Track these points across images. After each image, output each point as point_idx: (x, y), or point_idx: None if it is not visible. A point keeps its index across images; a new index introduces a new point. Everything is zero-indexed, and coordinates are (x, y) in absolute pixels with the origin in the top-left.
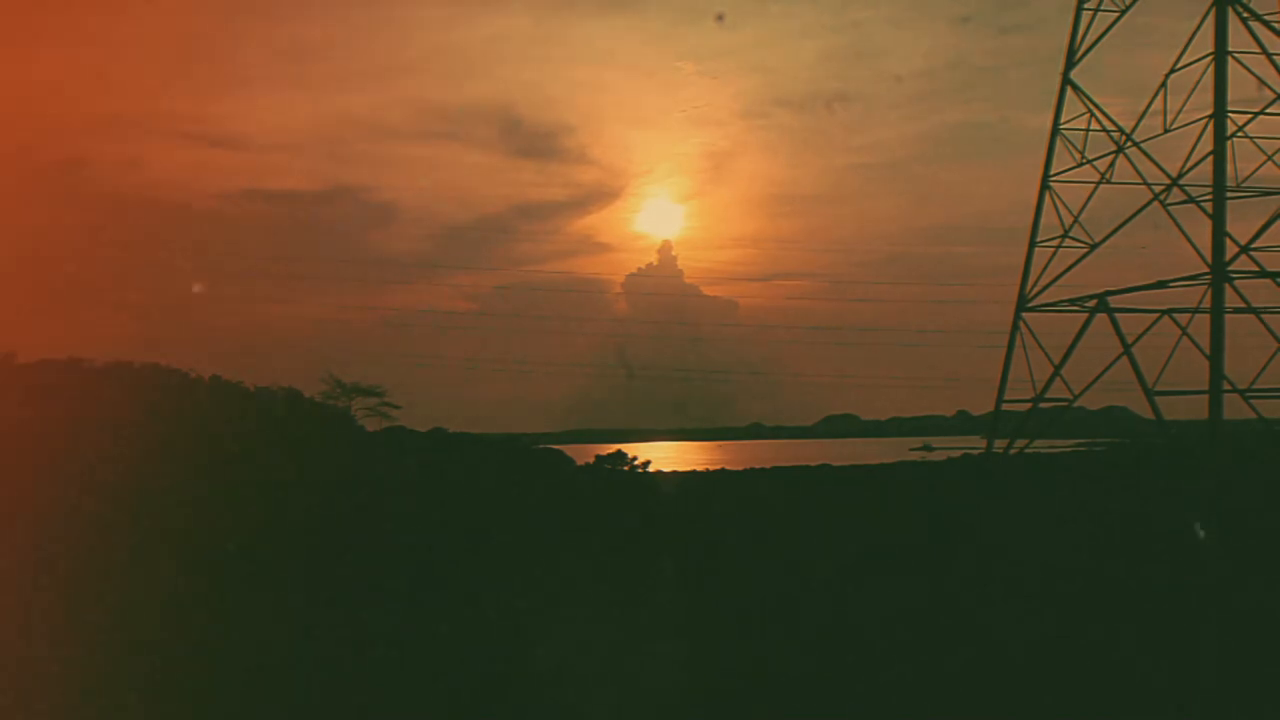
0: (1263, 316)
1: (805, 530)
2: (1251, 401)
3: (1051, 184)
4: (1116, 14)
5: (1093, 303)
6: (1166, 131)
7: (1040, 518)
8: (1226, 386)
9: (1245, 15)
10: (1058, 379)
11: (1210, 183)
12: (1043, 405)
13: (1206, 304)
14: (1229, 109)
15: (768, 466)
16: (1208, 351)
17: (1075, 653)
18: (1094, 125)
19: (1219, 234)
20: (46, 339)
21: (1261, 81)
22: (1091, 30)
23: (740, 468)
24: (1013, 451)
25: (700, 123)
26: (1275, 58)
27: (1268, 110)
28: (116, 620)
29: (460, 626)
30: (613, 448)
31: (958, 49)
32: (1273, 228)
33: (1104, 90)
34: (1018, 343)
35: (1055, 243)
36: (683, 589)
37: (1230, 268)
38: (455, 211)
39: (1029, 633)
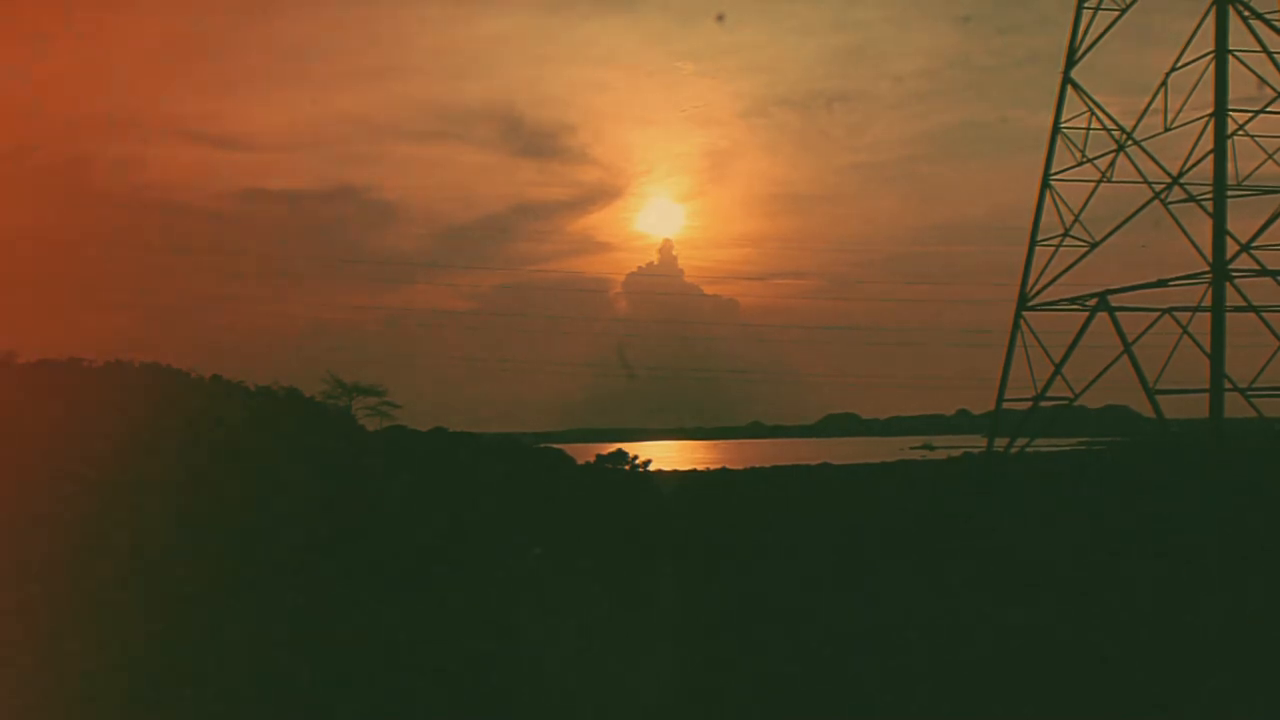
0: (1263, 315)
1: (805, 529)
2: (1252, 400)
3: (1052, 183)
4: (1117, 13)
5: (1093, 301)
6: (1167, 130)
7: (1040, 516)
8: (1227, 385)
9: (1245, 14)
10: (1058, 378)
11: (1210, 181)
12: (1043, 404)
13: (1207, 302)
14: (1229, 107)
15: (768, 465)
16: (1208, 350)
17: (1076, 652)
18: (1094, 124)
19: (1219, 232)
20: (46, 339)
21: (1262, 80)
22: (1092, 29)
23: (740, 467)
24: (1013, 450)
25: (700, 122)
26: (1275, 56)
27: (1268, 109)
28: (114, 620)
29: (460, 627)
30: (613, 447)
31: (958, 49)
32: (1273, 226)
33: (1104, 89)
34: (1018, 342)
35: (1056, 242)
36: (683, 588)
37: (1231, 266)
38: (456, 211)
39: (1030, 632)
